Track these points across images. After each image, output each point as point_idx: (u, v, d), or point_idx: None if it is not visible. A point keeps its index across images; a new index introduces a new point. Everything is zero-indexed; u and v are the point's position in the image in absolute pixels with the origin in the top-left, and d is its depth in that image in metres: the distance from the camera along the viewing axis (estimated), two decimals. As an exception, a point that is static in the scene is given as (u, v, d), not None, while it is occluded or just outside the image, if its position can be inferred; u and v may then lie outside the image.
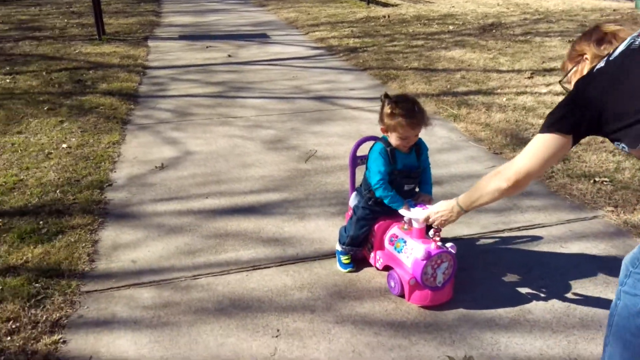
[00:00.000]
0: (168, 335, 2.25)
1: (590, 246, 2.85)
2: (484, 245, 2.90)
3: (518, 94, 5.37)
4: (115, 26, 9.73)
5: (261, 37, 9.03)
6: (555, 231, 3.00)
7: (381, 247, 2.55)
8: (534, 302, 2.43)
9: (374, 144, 2.52)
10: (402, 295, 2.41)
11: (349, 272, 2.63)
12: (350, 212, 2.72)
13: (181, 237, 2.99)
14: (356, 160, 2.78)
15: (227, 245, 2.91)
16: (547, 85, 5.60)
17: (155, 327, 2.30)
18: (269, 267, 2.71)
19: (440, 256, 2.30)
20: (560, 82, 1.95)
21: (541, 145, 1.71)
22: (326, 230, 3.04)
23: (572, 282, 2.56)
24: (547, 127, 1.71)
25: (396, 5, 12.33)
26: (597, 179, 3.53)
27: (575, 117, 1.65)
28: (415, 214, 2.32)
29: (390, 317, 2.35)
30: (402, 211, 2.39)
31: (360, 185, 2.65)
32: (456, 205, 2.10)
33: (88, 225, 3.08)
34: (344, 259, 2.65)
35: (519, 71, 6.18)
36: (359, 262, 2.69)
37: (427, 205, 2.35)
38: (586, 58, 1.82)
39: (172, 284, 2.59)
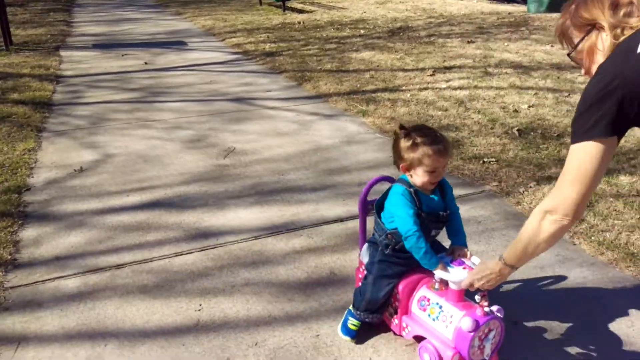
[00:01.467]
0: (95, 319, 2.39)
1: (476, 214, 3.25)
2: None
3: (421, 89, 5.84)
4: (23, 36, 9.45)
5: (178, 45, 9.10)
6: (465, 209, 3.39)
7: (407, 311, 2.13)
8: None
9: (390, 187, 2.12)
10: None
11: (349, 340, 2.21)
12: (361, 269, 2.30)
13: (103, 232, 3.11)
14: (367, 205, 2.30)
15: (149, 237, 3.06)
16: (447, 81, 6.11)
17: (82, 312, 2.43)
18: (191, 253, 2.90)
19: (488, 324, 1.93)
20: (569, 55, 1.63)
21: (586, 157, 1.48)
22: (245, 217, 3.26)
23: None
24: (585, 134, 1.48)
25: (311, 11, 12.73)
26: (485, 160, 3.99)
27: (619, 113, 1.43)
28: (456, 276, 1.94)
29: (299, 281, 2.61)
30: (439, 272, 1.97)
31: (373, 234, 2.20)
32: (503, 264, 1.79)
33: (7, 227, 3.13)
34: (352, 323, 2.20)
35: (422, 69, 6.68)
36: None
37: (466, 261, 1.99)
38: (600, 27, 1.53)
39: (96, 274, 2.72)
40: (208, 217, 3.28)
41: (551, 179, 3.61)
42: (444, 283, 2.03)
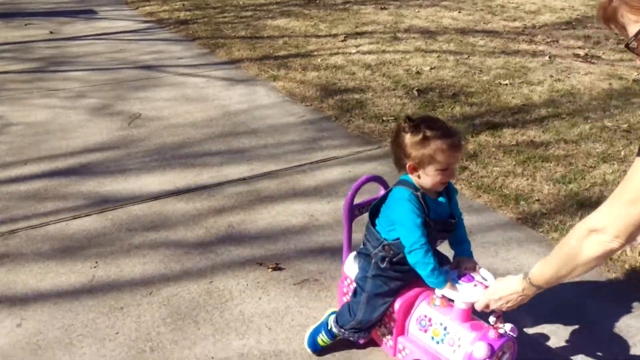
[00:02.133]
0: (-15, 283, 2.39)
1: (371, 168, 3.45)
2: (289, 175, 3.36)
3: (331, 55, 5.97)
4: None
5: (87, 14, 8.71)
6: (347, 160, 3.57)
7: (403, 331, 1.87)
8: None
9: (393, 189, 1.82)
10: None
11: (312, 353, 1.99)
12: (345, 283, 2.04)
13: (-2, 201, 3.06)
14: (353, 211, 2.03)
15: (47, 203, 3.04)
16: (357, 46, 6.27)
17: (-29, 277, 2.42)
18: (89, 216, 2.92)
19: (502, 347, 1.71)
20: (627, 45, 1.27)
21: None
22: (147, 181, 3.30)
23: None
24: None
25: (229, -21, 12.48)
26: (384, 119, 4.19)
27: None
28: (468, 297, 1.69)
29: (197, 237, 2.71)
30: (447, 292, 1.72)
31: (364, 244, 1.92)
32: (528, 284, 1.55)
33: None
34: (322, 339, 1.96)
35: (334, 35, 6.80)
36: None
37: (475, 276, 1.76)
38: None
39: (-12, 240, 2.69)
40: (109, 182, 3.28)
41: (443, 134, 3.87)
42: (447, 299, 1.77)
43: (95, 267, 2.49)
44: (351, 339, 1.91)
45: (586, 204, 2.96)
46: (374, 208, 1.88)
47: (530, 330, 2.15)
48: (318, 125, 4.16)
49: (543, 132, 3.89)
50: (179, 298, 2.29)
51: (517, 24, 7.51)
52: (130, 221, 2.87)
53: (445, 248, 1.93)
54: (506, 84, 4.91)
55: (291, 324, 2.17)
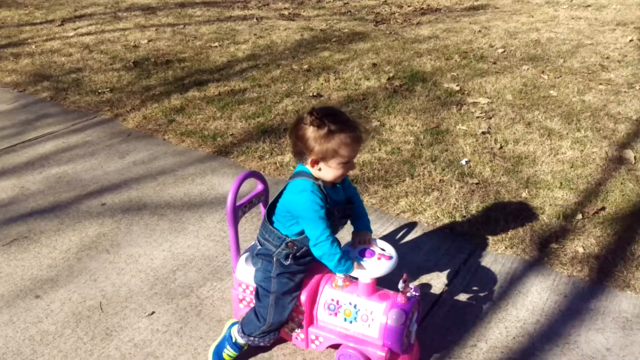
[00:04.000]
0: None
1: (84, 137, 3.67)
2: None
3: (47, 40, 5.86)
4: None
5: None
6: (63, 134, 3.73)
7: (312, 320, 1.84)
8: (33, 183, 3.11)
9: (291, 182, 1.73)
10: None
11: None
12: (240, 289, 1.96)
13: None
14: (237, 213, 1.90)
15: None
16: (75, 29, 6.24)
17: None
18: None
19: (412, 308, 1.76)
20: None
21: None
22: None
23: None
24: None
25: None
26: (100, 91, 4.40)
27: None
28: (375, 271, 1.71)
29: None
30: (356, 273, 1.71)
31: (260, 243, 1.83)
32: None
33: None
34: (228, 354, 1.85)
35: (51, 21, 6.63)
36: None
37: (374, 249, 1.77)
38: None
39: None
40: None
41: (155, 97, 4.25)
42: (349, 277, 1.80)
43: None
44: (261, 344, 1.83)
45: (269, 131, 3.64)
46: (270, 205, 1.82)
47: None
48: (32, 107, 4.20)
49: (242, 81, 4.53)
50: None
51: (232, -7, 8.18)
52: None
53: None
54: (216, 46, 5.47)
55: None
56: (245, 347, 1.86)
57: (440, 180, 2.98)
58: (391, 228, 2.62)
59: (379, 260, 1.71)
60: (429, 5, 7.36)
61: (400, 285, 1.71)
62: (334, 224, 1.72)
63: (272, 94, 4.26)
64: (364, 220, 1.87)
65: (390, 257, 1.74)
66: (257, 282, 1.82)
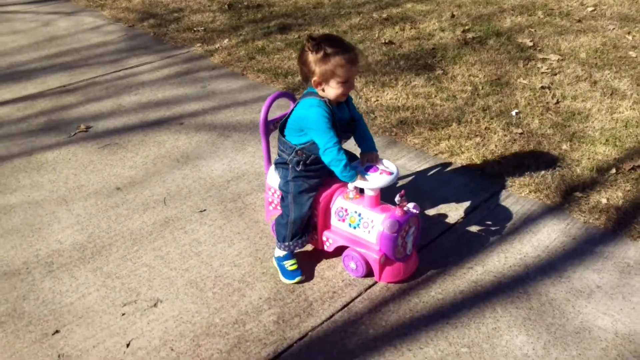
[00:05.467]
0: None
1: (177, 68, 4.15)
2: (106, 80, 3.99)
3: (158, -18, 6.44)
4: None
5: None
6: (159, 64, 4.24)
7: (327, 225, 2.14)
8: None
9: (302, 100, 2.00)
10: (367, 276, 2.11)
11: (299, 281, 2.11)
12: (270, 193, 2.28)
13: None
14: (269, 126, 2.23)
15: None
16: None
17: None
18: None
19: (408, 222, 2.01)
20: None
21: None
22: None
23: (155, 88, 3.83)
24: None
25: None
26: (195, 29, 4.87)
27: None
28: (375, 183, 1.96)
29: (19, 130, 3.31)
30: (358, 182, 1.97)
31: (279, 155, 2.12)
32: None
33: None
34: (290, 264, 2.12)
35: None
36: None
37: (379, 166, 2.03)
38: None
39: None
40: (-61, 101, 3.73)
41: (241, 37, 4.64)
42: (358, 190, 2.07)
43: None
44: (297, 248, 2.12)
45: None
46: (283, 121, 2.08)
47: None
48: (137, 40, 4.76)
49: (322, 27, 4.78)
50: (2, 168, 2.93)
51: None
52: (-40, 126, 3.40)
53: (352, 147, 2.21)
54: (305, -7, 5.74)
55: (94, 171, 2.90)
56: (289, 251, 2.13)
57: (485, 127, 3.10)
58: (426, 165, 2.82)
59: (380, 175, 1.97)
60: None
61: (397, 199, 1.95)
62: (337, 136, 1.96)
63: (346, 39, 4.47)
64: (370, 142, 2.12)
65: (391, 173, 1.98)
66: (279, 187, 2.14)
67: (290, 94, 2.32)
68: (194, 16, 5.22)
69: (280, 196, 2.16)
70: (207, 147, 3.07)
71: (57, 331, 1.94)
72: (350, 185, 2.04)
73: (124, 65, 4.23)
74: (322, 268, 2.18)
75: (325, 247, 2.17)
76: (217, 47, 4.49)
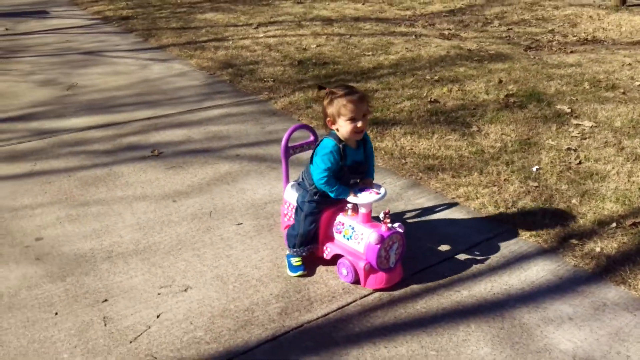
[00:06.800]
0: (-40, 176, 3.61)
1: (243, 109, 4.75)
2: (181, 116, 4.64)
3: (241, 39, 7.28)
4: None
5: (40, 14, 9.87)
6: (229, 106, 4.86)
7: (327, 237, 2.54)
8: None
9: (322, 140, 2.41)
10: (355, 282, 2.45)
11: (301, 275, 2.52)
12: (285, 206, 2.71)
13: (-34, 135, 4.26)
14: (289, 151, 2.75)
15: (2, 135, 4.27)
16: (265, 32, 7.60)
17: (-50, 173, 3.64)
18: (31, 141, 4.15)
19: (392, 237, 2.36)
20: None
21: None
22: (75, 121, 4.54)
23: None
24: None
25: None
26: (265, 80, 5.51)
27: None
28: (364, 199, 2.36)
29: (103, 150, 3.97)
30: (351, 198, 2.38)
31: (302, 178, 2.56)
32: None
33: None
34: (295, 261, 2.54)
35: (250, 24, 8.12)
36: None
37: (370, 188, 2.42)
38: None
39: (-40, 155, 3.91)
40: (48, 122, 4.53)
41: (303, 89, 5.21)
42: (355, 209, 2.45)
43: (34, 165, 3.74)
44: (305, 253, 2.52)
45: (380, 123, 4.31)
46: (313, 154, 2.48)
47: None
48: (214, 86, 5.46)
49: (377, 84, 5.26)
50: (87, 176, 3.56)
51: (408, 12, 8.96)
52: (60, 142, 4.12)
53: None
54: (369, 54, 6.30)
55: (158, 186, 3.46)
56: (297, 260, 2.54)
57: (504, 179, 3.38)
58: (441, 207, 3.13)
59: (370, 194, 2.39)
60: (595, 36, 7.27)
61: (381, 215, 2.37)
62: (344, 177, 2.40)
63: (397, 96, 4.93)
64: (370, 172, 2.53)
65: (379, 194, 2.40)
66: (297, 201, 2.57)
67: (308, 126, 2.89)
68: (266, 69, 5.90)
69: (294, 209, 2.59)
70: (255, 175, 3.56)
71: (105, 300, 2.41)
72: (349, 205, 2.45)
73: (199, 105, 4.90)
74: (328, 277, 2.54)
75: (325, 255, 2.57)
76: (281, 95, 5.08)
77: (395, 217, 2.89)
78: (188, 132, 4.30)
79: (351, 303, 2.37)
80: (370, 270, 2.39)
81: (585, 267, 2.57)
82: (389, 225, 2.35)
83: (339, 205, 2.50)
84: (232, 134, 4.25)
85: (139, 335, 2.21)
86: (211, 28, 7.99)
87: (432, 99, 4.77)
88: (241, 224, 2.99)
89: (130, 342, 2.18)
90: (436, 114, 4.46)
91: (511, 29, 7.85)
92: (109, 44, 7.40)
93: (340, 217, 2.48)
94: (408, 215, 3.06)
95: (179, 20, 8.65)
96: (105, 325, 2.27)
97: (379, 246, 2.31)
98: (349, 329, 2.23)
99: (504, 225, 2.93)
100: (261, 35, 7.41)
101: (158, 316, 2.31)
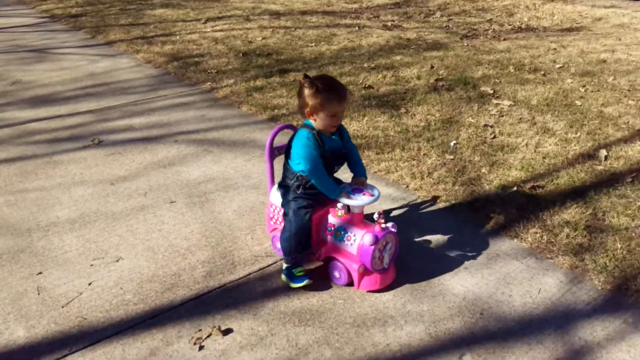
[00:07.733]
0: None
1: (187, 100, 4.91)
2: (125, 107, 4.76)
3: (190, 33, 7.41)
4: None
5: (-14, 13, 9.74)
6: (171, 97, 5.01)
7: (319, 239, 2.47)
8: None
9: (296, 132, 2.37)
10: (349, 284, 2.39)
11: (306, 285, 2.36)
12: (271, 209, 2.61)
13: None
14: (274, 152, 2.64)
15: (-57, 130, 4.32)
16: (213, 27, 7.74)
17: None
18: None
19: (385, 237, 2.32)
20: None
21: None
22: (18, 115, 4.62)
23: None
24: None
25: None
26: (209, 71, 5.67)
27: None
28: (357, 201, 2.29)
29: (45, 148, 4.08)
30: (344, 200, 2.30)
31: (283, 179, 2.47)
32: None
33: None
34: (297, 272, 2.39)
35: (199, 20, 8.24)
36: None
37: (363, 189, 2.36)
38: None
39: None
40: (-9, 117, 4.59)
41: (245, 78, 5.39)
42: (346, 210, 2.39)
43: (-26, 155, 3.82)
44: (303, 259, 2.38)
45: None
46: (287, 149, 2.41)
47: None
48: (159, 78, 5.59)
49: (316, 72, 5.49)
50: (27, 165, 3.66)
51: (355, 5, 9.22)
52: (1, 135, 4.20)
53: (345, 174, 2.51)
54: (311, 46, 6.52)
55: (97, 172, 3.59)
56: (299, 270, 2.38)
57: (424, 154, 3.64)
58: (364, 179, 3.37)
59: (363, 196, 2.32)
60: (528, 25, 7.68)
61: (375, 215, 2.36)
62: (327, 164, 2.32)
63: (334, 83, 5.15)
64: (360, 169, 2.47)
65: (372, 195, 2.33)
66: (282, 205, 2.47)
67: (292, 126, 2.76)
68: (211, 61, 6.06)
69: (281, 213, 2.50)
70: (191, 158, 3.73)
71: (40, 272, 2.56)
72: (340, 204, 2.37)
73: (142, 96, 5.03)
74: (253, 244, 2.74)
75: (319, 256, 2.47)
76: (223, 85, 5.26)
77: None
78: (129, 121, 4.43)
79: (272, 264, 2.58)
80: (364, 272, 2.34)
81: (485, 225, 2.85)
82: (383, 225, 2.32)
83: (327, 206, 2.43)
84: (172, 121, 4.40)
85: (71, 301, 2.37)
86: (160, 24, 8.09)
87: (366, 85, 5.02)
88: (174, 202, 3.17)
89: (62, 307, 2.34)
90: (369, 98, 4.71)
91: (451, 19, 8.19)
92: (56, 41, 7.42)
93: (330, 219, 2.42)
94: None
95: (129, 17, 8.71)
96: (38, 294, 2.42)
97: (373, 247, 2.26)
98: (267, 286, 2.44)
99: (417, 192, 3.19)
100: (209, 30, 7.55)
101: (90, 284, 2.47)
